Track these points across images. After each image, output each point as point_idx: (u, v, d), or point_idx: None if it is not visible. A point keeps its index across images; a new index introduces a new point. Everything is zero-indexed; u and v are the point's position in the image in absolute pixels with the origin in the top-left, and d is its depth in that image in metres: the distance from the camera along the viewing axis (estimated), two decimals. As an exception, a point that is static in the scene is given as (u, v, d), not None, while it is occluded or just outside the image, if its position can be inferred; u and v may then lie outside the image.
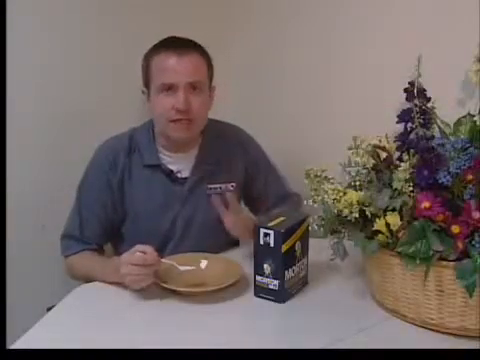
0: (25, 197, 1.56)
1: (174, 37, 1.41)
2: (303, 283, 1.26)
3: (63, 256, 1.45)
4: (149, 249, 1.20)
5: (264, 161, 1.58)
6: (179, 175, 1.44)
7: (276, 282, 1.19)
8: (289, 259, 1.20)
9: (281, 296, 1.20)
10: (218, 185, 1.47)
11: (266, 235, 1.19)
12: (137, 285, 1.21)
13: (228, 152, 1.50)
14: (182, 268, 1.25)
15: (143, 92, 1.43)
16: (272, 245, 1.18)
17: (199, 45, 1.41)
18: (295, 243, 1.21)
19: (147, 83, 1.40)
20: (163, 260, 1.24)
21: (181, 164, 1.45)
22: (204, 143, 1.47)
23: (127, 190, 1.43)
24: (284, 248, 1.18)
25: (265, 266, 1.20)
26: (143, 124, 1.49)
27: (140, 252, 1.20)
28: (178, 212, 1.44)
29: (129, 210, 1.44)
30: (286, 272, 1.19)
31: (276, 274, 1.19)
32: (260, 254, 1.21)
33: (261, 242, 1.20)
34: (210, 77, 1.43)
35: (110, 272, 1.26)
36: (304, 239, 1.25)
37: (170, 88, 1.35)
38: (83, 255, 1.41)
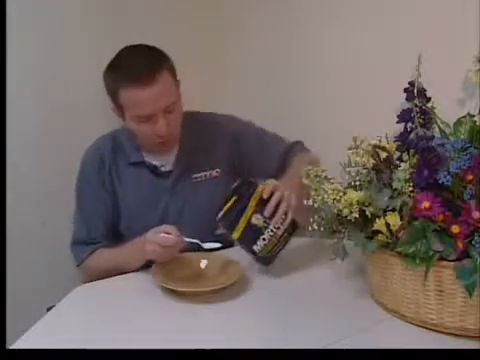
0: (25, 195, 1.56)
1: (133, 58, 1.36)
2: (289, 232, 1.27)
3: (77, 265, 1.45)
4: (173, 230, 1.25)
5: (248, 127, 1.57)
6: (163, 169, 1.47)
7: (253, 256, 1.27)
8: (250, 236, 1.25)
9: (264, 262, 1.28)
10: (203, 173, 1.49)
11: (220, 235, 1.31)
12: (162, 259, 1.28)
13: (207, 139, 1.51)
14: (206, 246, 1.28)
15: (113, 110, 1.42)
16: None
17: (159, 59, 1.36)
18: (250, 219, 1.24)
19: (117, 106, 1.39)
20: (186, 239, 1.27)
21: (163, 159, 1.47)
22: (182, 137, 1.49)
23: (118, 189, 1.46)
24: (236, 235, 1.25)
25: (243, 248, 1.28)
26: (124, 124, 1.49)
27: (165, 233, 1.24)
28: (168, 205, 1.46)
29: (122, 209, 1.46)
30: (254, 246, 1.24)
31: (249, 252, 1.27)
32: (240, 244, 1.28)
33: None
34: (176, 81, 1.40)
35: (134, 252, 1.32)
36: (262, 205, 1.25)
37: (147, 116, 1.35)
38: (97, 253, 1.42)
